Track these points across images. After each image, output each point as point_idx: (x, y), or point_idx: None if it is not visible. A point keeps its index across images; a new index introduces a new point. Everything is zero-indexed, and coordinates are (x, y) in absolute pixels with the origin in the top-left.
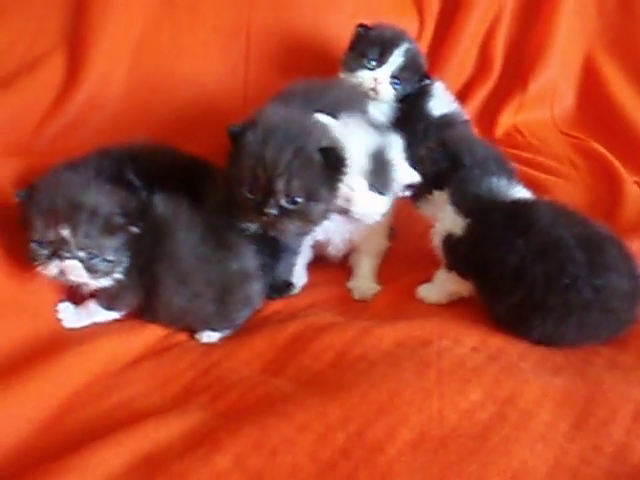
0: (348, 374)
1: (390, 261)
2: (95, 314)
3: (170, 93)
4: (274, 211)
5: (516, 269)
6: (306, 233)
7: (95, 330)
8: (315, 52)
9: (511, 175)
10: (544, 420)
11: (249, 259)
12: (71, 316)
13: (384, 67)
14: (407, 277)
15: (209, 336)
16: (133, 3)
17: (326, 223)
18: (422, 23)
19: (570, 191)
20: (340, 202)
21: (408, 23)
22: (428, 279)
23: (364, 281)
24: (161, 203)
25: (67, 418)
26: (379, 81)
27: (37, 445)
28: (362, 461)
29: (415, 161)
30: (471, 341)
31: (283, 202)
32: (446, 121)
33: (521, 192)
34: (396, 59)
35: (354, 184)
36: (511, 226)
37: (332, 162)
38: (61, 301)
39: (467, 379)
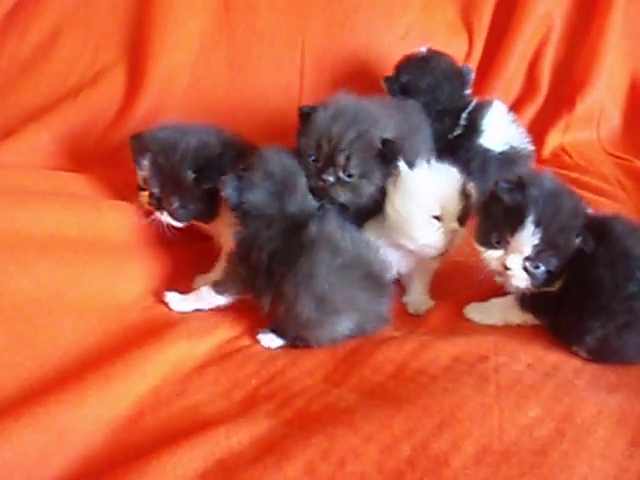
0: (409, 387)
1: (442, 276)
2: (203, 300)
3: (227, 108)
4: (331, 178)
5: (588, 277)
6: (352, 205)
7: (163, 333)
8: (367, 70)
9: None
10: (602, 437)
11: None
12: (178, 301)
13: None
14: (459, 293)
15: (272, 340)
16: (191, 19)
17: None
18: (471, 44)
19: (618, 211)
20: (441, 247)
21: (457, 44)
22: (479, 295)
23: (418, 296)
24: (329, 219)
25: (140, 421)
26: None
27: (113, 447)
28: (428, 472)
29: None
30: (526, 358)
31: (340, 173)
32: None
33: None
34: None
35: (454, 226)
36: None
37: (388, 151)
38: (167, 290)
39: (525, 395)
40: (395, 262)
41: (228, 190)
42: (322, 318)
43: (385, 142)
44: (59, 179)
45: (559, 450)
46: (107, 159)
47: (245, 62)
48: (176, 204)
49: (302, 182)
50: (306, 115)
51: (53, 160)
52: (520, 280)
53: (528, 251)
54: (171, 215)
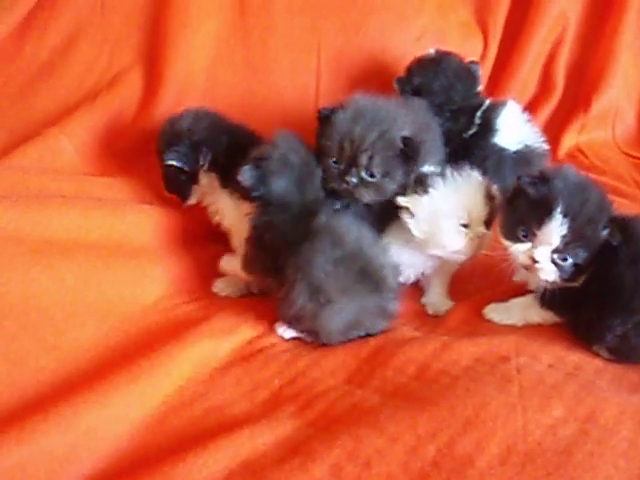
0: (433, 387)
1: (462, 277)
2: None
3: (243, 109)
4: (355, 179)
5: (610, 275)
6: (375, 204)
7: (185, 333)
8: (383, 71)
9: None
10: (625, 437)
11: None
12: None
13: None
14: (479, 293)
15: (285, 330)
16: (207, 22)
17: (402, 255)
18: (486, 44)
19: (635, 211)
20: (470, 252)
21: (472, 44)
22: (498, 295)
23: (438, 297)
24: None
25: (165, 421)
26: None
27: (138, 447)
28: (453, 473)
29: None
30: (548, 358)
31: (363, 174)
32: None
33: None
34: None
35: (481, 230)
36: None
37: (410, 150)
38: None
39: (548, 395)
40: (420, 264)
41: (248, 180)
42: (316, 308)
43: (406, 140)
44: (80, 183)
45: (583, 450)
46: (126, 162)
47: (261, 64)
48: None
49: (317, 169)
50: (325, 118)
51: (72, 163)
52: (548, 273)
53: (556, 243)
54: (163, 179)
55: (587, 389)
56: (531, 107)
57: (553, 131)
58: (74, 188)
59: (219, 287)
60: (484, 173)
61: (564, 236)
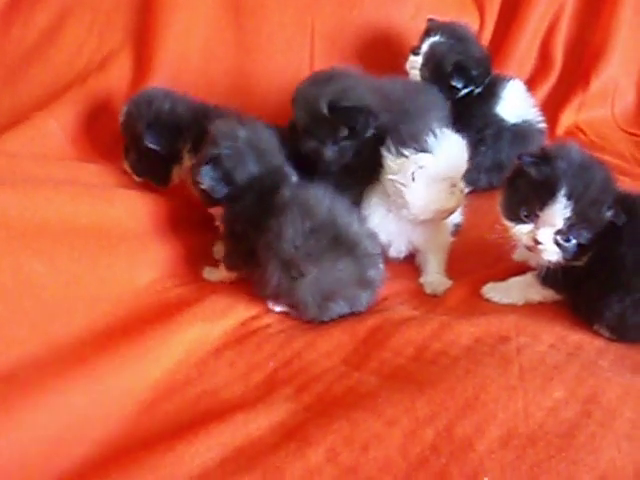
0: (431, 369)
1: (459, 255)
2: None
3: (236, 90)
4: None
5: (612, 254)
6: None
7: (177, 316)
8: (378, 48)
9: None
10: (629, 418)
11: None
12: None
13: None
14: (477, 272)
15: (274, 305)
16: (198, 2)
17: (388, 225)
18: (482, 21)
19: (636, 189)
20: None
21: (468, 21)
22: (497, 274)
23: (436, 276)
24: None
25: (156, 405)
26: None
27: (129, 432)
28: (452, 457)
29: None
30: (549, 338)
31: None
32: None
33: None
34: None
35: (463, 186)
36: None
37: (334, 117)
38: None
39: (549, 376)
40: (407, 232)
41: (209, 182)
42: (289, 283)
43: (332, 108)
44: (69, 168)
45: (585, 432)
46: (115, 146)
47: (254, 44)
48: (133, 156)
49: (266, 140)
50: None
51: (61, 148)
52: (551, 254)
53: (560, 224)
54: (130, 166)
55: (589, 369)
56: (529, 84)
57: (552, 109)
58: (63, 173)
59: (209, 273)
60: (482, 142)
61: (568, 218)
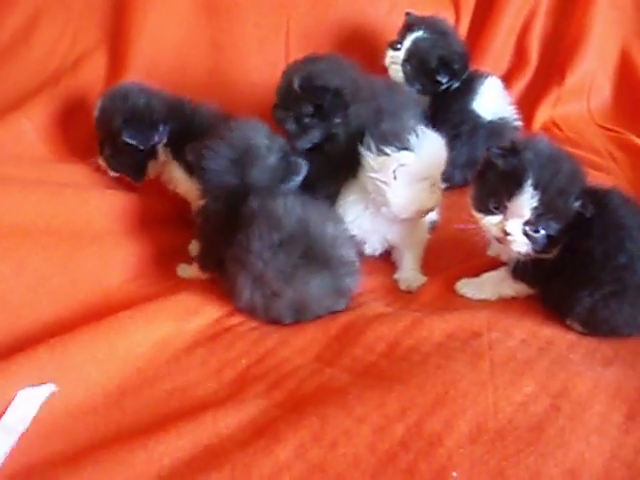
0: (402, 365)
1: (434, 251)
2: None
3: (211, 90)
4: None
5: (581, 247)
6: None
7: (148, 314)
8: (353, 47)
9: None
10: (598, 412)
11: None
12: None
13: None
14: (452, 268)
15: (183, 269)
16: (172, 2)
17: (364, 222)
18: (458, 17)
19: (610, 184)
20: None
21: (444, 18)
22: (471, 270)
23: (411, 272)
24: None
25: (126, 403)
26: None
27: (96, 429)
28: (421, 453)
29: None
30: (520, 333)
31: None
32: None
33: None
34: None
35: (440, 184)
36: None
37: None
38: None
39: (520, 371)
40: (383, 229)
41: (189, 156)
42: (264, 301)
43: (302, 85)
44: (42, 168)
45: (555, 426)
46: (89, 146)
47: (229, 44)
48: (108, 151)
49: (263, 155)
50: None
51: (35, 148)
52: (520, 245)
53: (527, 215)
54: (105, 161)
55: (560, 364)
56: (505, 80)
57: (528, 104)
58: (36, 173)
59: (183, 270)
60: (457, 138)
61: (535, 208)
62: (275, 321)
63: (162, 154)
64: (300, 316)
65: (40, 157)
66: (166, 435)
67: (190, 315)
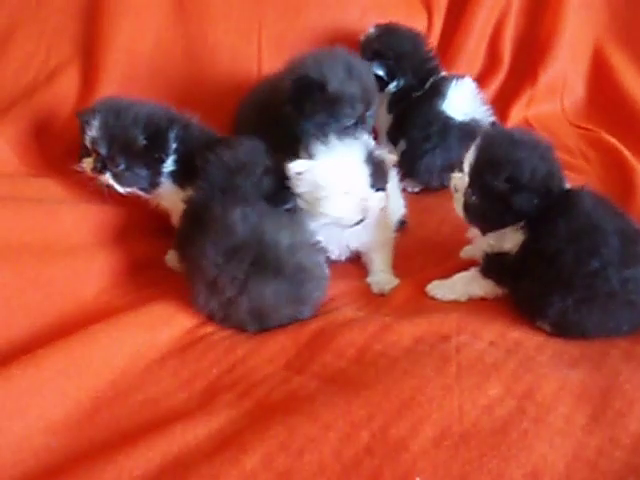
0: (370, 371)
1: (406, 255)
2: None
3: (185, 99)
4: None
5: (549, 248)
6: None
7: (122, 326)
8: None
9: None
10: (562, 414)
11: None
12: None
13: None
14: (424, 271)
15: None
16: (144, 12)
17: (318, 230)
18: (430, 20)
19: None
20: (356, 217)
21: (416, 21)
22: (444, 273)
23: (382, 275)
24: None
25: (98, 417)
26: None
27: (68, 444)
28: (386, 459)
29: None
30: (489, 335)
31: None
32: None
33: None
34: None
35: (366, 194)
36: (560, 214)
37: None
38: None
39: (486, 374)
40: (337, 237)
41: (197, 161)
42: (219, 308)
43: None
44: (15, 184)
45: (519, 429)
46: (63, 160)
47: (201, 52)
48: (122, 166)
49: (258, 173)
50: None
51: (8, 162)
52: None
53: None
54: (115, 177)
55: (526, 366)
56: (479, 81)
57: (501, 104)
58: (7, 188)
59: (170, 258)
60: (428, 140)
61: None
62: (240, 328)
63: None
64: (263, 324)
65: (14, 171)
66: (136, 448)
67: (163, 325)
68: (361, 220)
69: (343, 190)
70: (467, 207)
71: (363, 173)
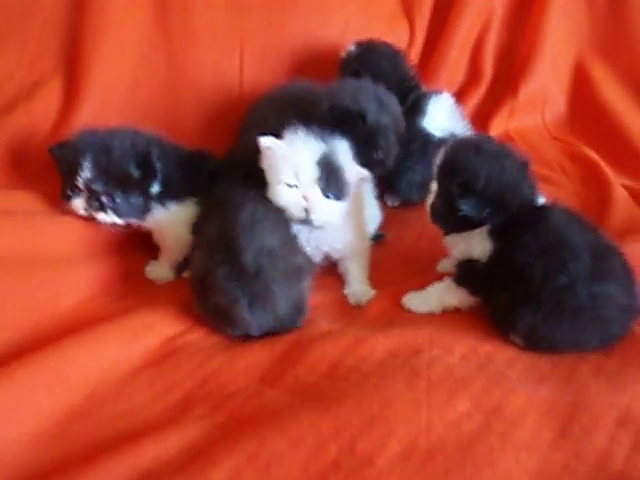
0: (341, 386)
1: (384, 267)
2: None
3: (167, 113)
4: None
5: (519, 261)
6: None
7: (96, 336)
8: (308, 66)
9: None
10: (529, 429)
11: None
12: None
13: None
14: (400, 283)
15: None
16: (127, 26)
17: (299, 231)
18: (413, 33)
19: (560, 198)
20: (298, 213)
21: (398, 34)
22: (421, 285)
23: (359, 286)
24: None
25: (71, 429)
26: None
27: (43, 457)
28: (352, 473)
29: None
30: (461, 349)
31: None
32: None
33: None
34: None
35: (309, 194)
36: (529, 228)
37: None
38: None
39: (455, 389)
40: (305, 234)
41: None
42: (211, 312)
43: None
44: None
45: (485, 445)
46: (45, 173)
47: (184, 67)
48: (119, 200)
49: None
50: None
51: None
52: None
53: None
54: (115, 212)
55: (496, 380)
56: (460, 95)
57: (482, 117)
58: None
59: (150, 270)
60: (409, 157)
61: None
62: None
63: None
64: (218, 323)
65: None
66: (107, 462)
67: (140, 336)
68: (306, 221)
69: (285, 181)
70: (431, 206)
71: (310, 173)
